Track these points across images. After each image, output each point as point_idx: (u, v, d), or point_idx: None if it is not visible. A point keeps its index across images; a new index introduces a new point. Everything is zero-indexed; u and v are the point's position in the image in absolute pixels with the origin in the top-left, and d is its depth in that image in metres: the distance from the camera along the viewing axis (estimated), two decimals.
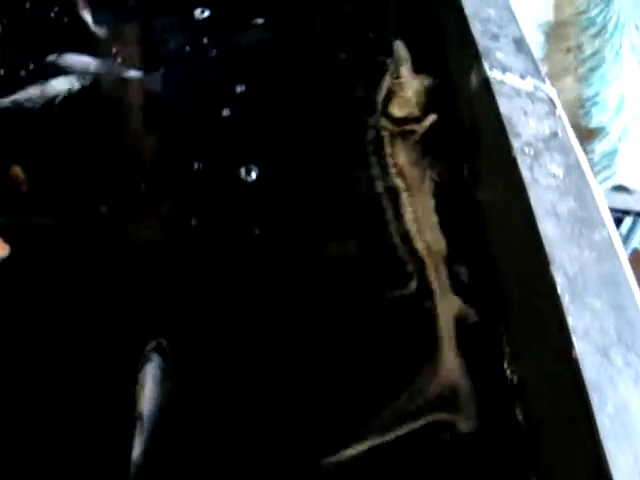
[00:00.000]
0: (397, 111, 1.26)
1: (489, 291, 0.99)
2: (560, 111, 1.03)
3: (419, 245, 1.10)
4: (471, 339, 0.97)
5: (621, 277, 0.80)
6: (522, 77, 1.06)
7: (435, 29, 1.33)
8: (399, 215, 1.15)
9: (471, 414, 0.90)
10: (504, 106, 1.00)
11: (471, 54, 1.11)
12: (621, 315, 0.75)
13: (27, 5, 1.46)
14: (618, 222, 1.84)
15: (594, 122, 2.12)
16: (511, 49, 1.12)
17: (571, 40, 2.17)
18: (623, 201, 1.97)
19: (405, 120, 1.25)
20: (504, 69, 1.07)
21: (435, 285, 1.04)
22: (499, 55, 1.10)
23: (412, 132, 1.23)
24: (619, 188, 2.09)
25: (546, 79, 1.08)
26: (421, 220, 1.14)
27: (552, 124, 0.99)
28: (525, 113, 1.00)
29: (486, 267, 1.02)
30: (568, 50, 2.26)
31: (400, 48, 1.33)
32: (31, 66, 1.32)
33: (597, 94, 2.08)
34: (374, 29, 1.46)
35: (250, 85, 1.34)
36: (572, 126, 2.42)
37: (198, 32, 1.43)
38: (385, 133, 1.25)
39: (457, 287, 1.05)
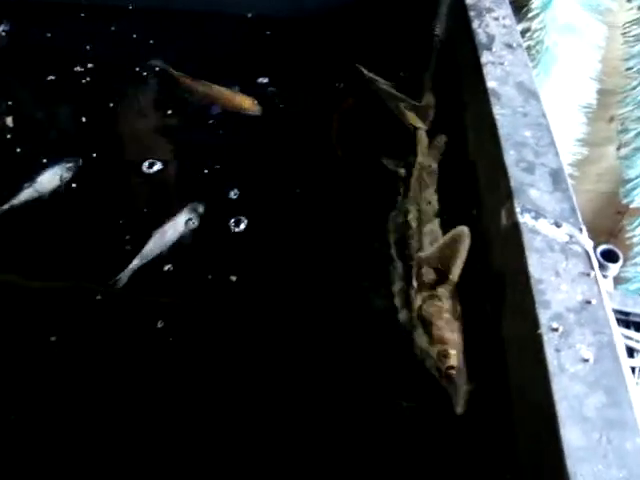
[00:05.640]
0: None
1: None
2: (596, 270, 0.93)
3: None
4: None
5: None
6: (557, 224, 0.97)
7: (464, 144, 1.24)
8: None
9: None
10: (534, 265, 0.91)
11: (503, 189, 1.02)
12: None
13: None
14: None
15: (635, 204, 2.01)
16: (547, 184, 1.03)
17: (614, 109, 2.07)
18: None
19: None
20: (537, 213, 0.98)
21: None
22: (533, 193, 1.01)
23: None
24: None
25: (582, 226, 0.98)
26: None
27: (586, 289, 0.90)
28: (557, 274, 0.91)
29: None
30: (611, 119, 2.15)
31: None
32: None
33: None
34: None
35: None
36: (610, 195, 2.31)
37: None
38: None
39: None
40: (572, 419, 0.76)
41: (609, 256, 1.86)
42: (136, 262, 1.14)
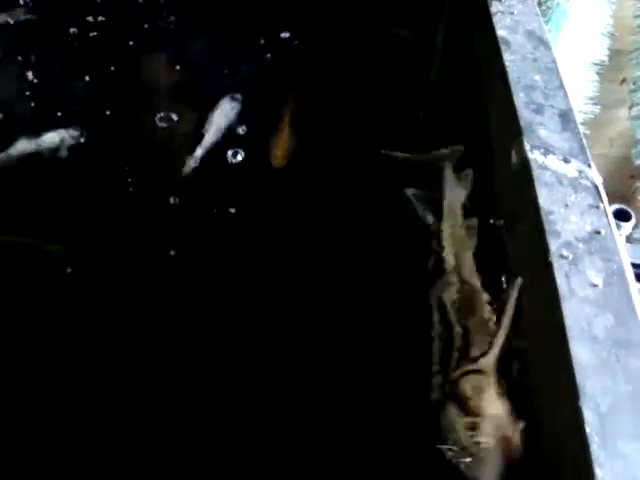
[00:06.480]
0: None
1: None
2: (605, 203, 0.95)
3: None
4: None
5: None
6: (566, 160, 0.98)
7: (477, 93, 1.25)
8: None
9: None
10: (544, 197, 0.93)
11: (512, 129, 1.04)
12: None
13: None
14: None
15: None
16: (556, 124, 1.05)
17: (626, 70, 2.06)
18: None
19: None
20: (547, 150, 0.99)
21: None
22: (542, 132, 1.02)
23: None
24: None
25: (592, 163, 1.00)
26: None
27: (595, 220, 0.91)
28: (566, 206, 0.92)
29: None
30: (623, 80, 2.14)
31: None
32: None
33: None
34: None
35: None
36: (623, 160, 2.30)
37: None
38: None
39: None
40: (582, 339, 0.78)
41: (622, 215, 1.87)
42: (199, 152, 1.22)
